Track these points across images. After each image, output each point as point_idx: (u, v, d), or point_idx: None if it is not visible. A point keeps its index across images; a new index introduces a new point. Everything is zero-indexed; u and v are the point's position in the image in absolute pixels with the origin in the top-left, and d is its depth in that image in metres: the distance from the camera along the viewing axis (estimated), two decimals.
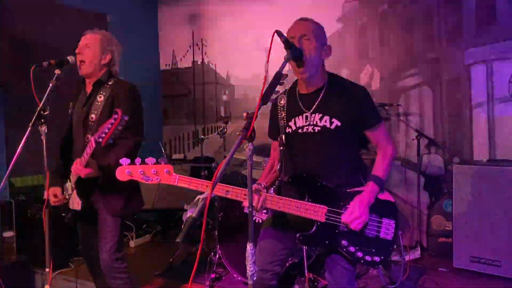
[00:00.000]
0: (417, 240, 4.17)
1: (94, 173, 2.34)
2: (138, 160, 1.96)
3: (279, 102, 2.19)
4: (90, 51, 2.52)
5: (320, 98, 2.06)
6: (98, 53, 2.54)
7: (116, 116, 2.14)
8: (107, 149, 2.38)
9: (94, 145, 2.18)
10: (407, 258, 3.84)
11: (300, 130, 2.09)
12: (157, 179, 1.94)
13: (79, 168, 2.30)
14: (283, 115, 2.15)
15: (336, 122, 2.02)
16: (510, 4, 3.88)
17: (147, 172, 1.94)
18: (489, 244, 3.49)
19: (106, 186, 2.45)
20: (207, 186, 1.92)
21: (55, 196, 2.54)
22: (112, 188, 2.45)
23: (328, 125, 2.03)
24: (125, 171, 1.96)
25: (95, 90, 2.54)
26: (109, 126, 2.14)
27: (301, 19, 2.04)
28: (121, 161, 1.99)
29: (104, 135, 2.15)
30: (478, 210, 3.55)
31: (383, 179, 2.05)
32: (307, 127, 2.07)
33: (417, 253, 4.03)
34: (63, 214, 2.58)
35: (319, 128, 2.05)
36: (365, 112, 2.06)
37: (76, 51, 2.53)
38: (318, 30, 2.03)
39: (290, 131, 2.12)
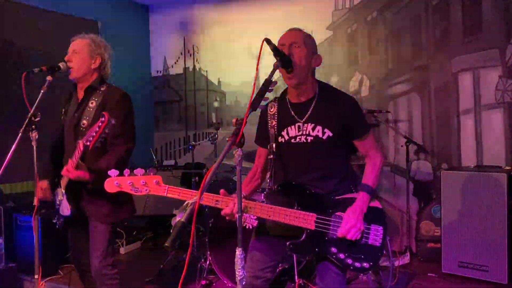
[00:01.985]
0: (406, 246, 4.21)
1: (84, 176, 2.31)
2: (127, 171, 1.95)
3: (269, 110, 2.18)
4: (78, 56, 2.51)
5: (312, 107, 2.07)
6: (86, 58, 2.52)
7: (103, 119, 2.14)
8: (98, 155, 2.38)
9: (82, 149, 2.18)
10: (396, 263, 3.87)
11: (292, 140, 2.10)
12: (146, 190, 1.93)
13: (69, 169, 2.27)
14: (273, 124, 2.15)
15: (328, 133, 2.04)
16: (495, 14, 3.96)
17: (136, 184, 1.93)
18: (477, 249, 3.54)
19: (96, 192, 2.42)
20: (192, 196, 1.92)
21: (41, 189, 2.52)
22: (101, 195, 2.42)
23: (320, 135, 2.05)
24: (114, 182, 1.96)
25: (87, 96, 2.53)
26: (96, 129, 2.15)
27: (292, 29, 2.07)
28: (109, 172, 1.98)
29: (91, 138, 2.15)
30: (466, 216, 3.59)
31: (373, 188, 2.07)
32: (300, 137, 2.08)
33: (406, 259, 4.07)
34: (54, 220, 2.57)
35: (312, 138, 2.06)
36: (354, 122, 2.08)
37: (65, 58, 2.52)
38: (308, 39, 2.06)
39: (283, 141, 2.12)
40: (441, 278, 3.67)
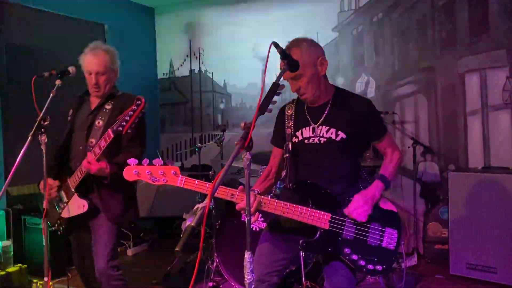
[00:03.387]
0: (414, 247, 4.19)
1: (105, 168, 2.32)
2: (145, 161, 1.98)
3: (287, 111, 2.23)
4: (104, 78, 2.53)
5: (326, 111, 2.11)
6: (111, 76, 2.57)
7: (140, 102, 2.15)
8: (116, 152, 2.42)
9: (112, 135, 2.19)
10: (403, 265, 3.85)
11: (306, 141, 2.14)
12: (164, 180, 1.95)
13: (91, 161, 2.27)
14: (290, 124, 2.20)
15: (342, 135, 2.07)
16: (502, 14, 3.94)
17: (154, 173, 1.95)
18: (485, 251, 3.52)
19: (108, 191, 2.46)
20: (207, 188, 1.94)
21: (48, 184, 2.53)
22: (113, 195, 2.48)
23: (333, 137, 2.08)
24: (132, 171, 1.97)
25: (104, 101, 2.57)
26: (131, 113, 2.16)
27: (291, 46, 2.05)
28: (129, 161, 2.00)
29: (125, 123, 2.17)
30: (473, 217, 3.58)
31: (388, 179, 2.09)
32: (314, 138, 2.12)
33: (413, 260, 4.05)
34: (53, 228, 2.59)
35: (325, 140, 2.09)
36: (371, 125, 2.11)
37: (91, 82, 2.51)
38: (307, 53, 2.04)
39: (297, 141, 2.16)
40: (448, 280, 3.65)
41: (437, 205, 4.13)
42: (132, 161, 2.00)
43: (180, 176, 1.95)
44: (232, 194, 1.95)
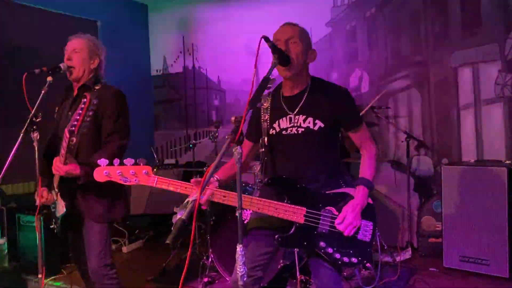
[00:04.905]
0: (408, 241, 4.22)
1: (74, 170, 2.27)
2: (116, 161, 1.93)
3: (263, 105, 2.20)
4: (79, 56, 2.51)
5: (303, 100, 2.09)
6: (87, 58, 2.53)
7: (85, 99, 2.13)
8: (91, 151, 2.38)
9: (68, 136, 2.14)
10: (398, 258, 3.88)
11: (284, 132, 2.11)
12: (135, 180, 1.91)
13: (58, 165, 2.25)
14: (266, 118, 2.17)
15: (319, 124, 2.05)
16: (494, 8, 3.96)
17: (125, 173, 1.91)
18: (478, 244, 3.55)
19: (89, 191, 2.41)
20: (186, 188, 1.92)
21: (42, 196, 2.51)
22: (95, 194, 2.42)
23: (311, 126, 2.06)
24: (103, 172, 1.93)
25: (80, 94, 2.52)
26: (80, 111, 2.13)
27: (288, 23, 2.07)
28: (99, 161, 1.95)
29: (76, 122, 2.14)
30: (467, 210, 3.60)
31: (371, 181, 2.08)
32: (291, 128, 2.09)
33: (408, 254, 4.08)
34: (51, 226, 2.57)
35: (303, 130, 2.07)
36: (347, 113, 2.10)
37: (65, 57, 2.51)
38: (304, 34, 2.06)
39: (274, 133, 2.14)
40: (442, 272, 3.68)
41: (430, 199, 4.15)
42: (102, 161, 1.94)
43: (152, 176, 1.91)
44: (186, 187, 1.92)
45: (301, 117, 2.08)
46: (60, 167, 2.25)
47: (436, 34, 4.28)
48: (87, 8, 4.99)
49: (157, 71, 6.05)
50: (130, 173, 1.90)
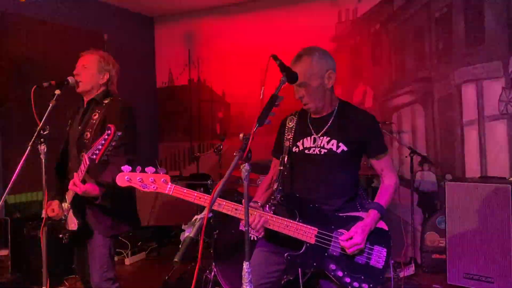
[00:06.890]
0: (411, 257, 4.20)
1: (92, 190, 2.30)
2: (138, 168, 2.01)
3: (288, 123, 2.23)
4: (87, 71, 2.55)
5: (329, 122, 2.11)
6: (95, 74, 2.56)
7: (110, 131, 2.16)
8: (101, 167, 2.38)
9: (88, 163, 2.17)
10: (401, 274, 3.86)
11: (306, 151, 2.12)
12: (154, 187, 1.98)
13: (77, 183, 2.27)
14: (289, 137, 2.19)
15: (343, 147, 2.06)
16: (498, 26, 3.99)
17: (145, 180, 1.99)
18: (482, 261, 3.53)
19: (99, 206, 2.41)
20: (200, 198, 1.97)
21: (53, 210, 2.53)
22: (104, 208, 2.43)
23: (334, 149, 2.06)
24: (125, 177, 2.01)
25: (89, 108, 2.56)
26: (103, 142, 2.16)
27: (298, 59, 2.07)
28: (122, 168, 2.03)
29: (97, 151, 2.16)
30: (471, 227, 3.59)
31: (385, 208, 2.07)
32: (314, 148, 2.10)
33: (411, 270, 4.06)
34: (60, 235, 2.57)
35: (326, 151, 2.08)
36: (372, 141, 2.10)
37: (74, 72, 2.55)
38: (317, 64, 2.06)
39: (297, 151, 2.15)
40: None
41: (434, 215, 4.14)
42: (125, 168, 2.03)
43: (170, 184, 1.98)
44: (236, 209, 1.95)
45: (325, 139, 2.09)
46: (79, 185, 2.26)
47: (440, 50, 4.31)
48: (93, 21, 5.05)
49: (162, 83, 6.09)
50: (150, 180, 1.99)
